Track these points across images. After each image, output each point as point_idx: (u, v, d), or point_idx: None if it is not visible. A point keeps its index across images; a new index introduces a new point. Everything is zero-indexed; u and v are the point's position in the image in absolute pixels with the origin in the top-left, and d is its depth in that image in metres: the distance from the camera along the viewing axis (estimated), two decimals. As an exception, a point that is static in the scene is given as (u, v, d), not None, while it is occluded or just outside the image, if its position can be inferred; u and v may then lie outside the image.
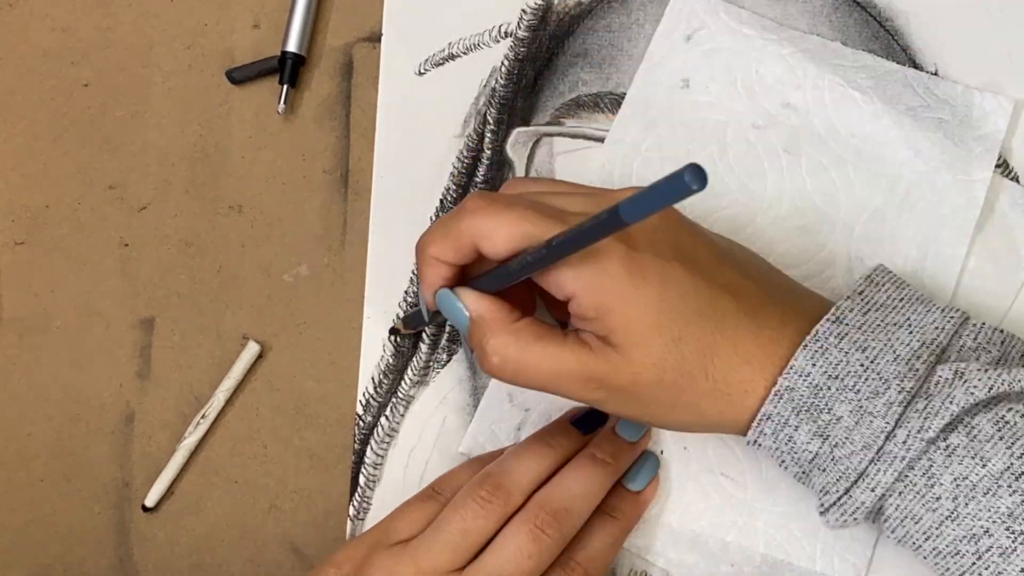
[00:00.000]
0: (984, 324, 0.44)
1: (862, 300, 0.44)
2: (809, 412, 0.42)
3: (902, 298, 0.45)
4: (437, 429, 0.53)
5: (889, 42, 0.54)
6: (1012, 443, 0.41)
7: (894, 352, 0.42)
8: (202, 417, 0.53)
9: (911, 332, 0.43)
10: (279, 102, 0.55)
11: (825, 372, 0.42)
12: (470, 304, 0.44)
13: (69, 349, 0.55)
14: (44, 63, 0.57)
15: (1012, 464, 0.41)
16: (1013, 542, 0.41)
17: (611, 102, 0.54)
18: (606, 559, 0.47)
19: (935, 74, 0.54)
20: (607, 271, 0.41)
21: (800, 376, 0.42)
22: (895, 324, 0.43)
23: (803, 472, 0.44)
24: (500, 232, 0.42)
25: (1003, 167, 0.53)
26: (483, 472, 0.47)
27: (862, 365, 0.42)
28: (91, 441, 0.54)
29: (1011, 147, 0.53)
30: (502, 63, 0.55)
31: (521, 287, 0.45)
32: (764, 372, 0.43)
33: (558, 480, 0.47)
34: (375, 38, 0.56)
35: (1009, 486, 0.41)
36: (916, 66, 0.54)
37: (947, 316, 0.44)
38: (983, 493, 0.41)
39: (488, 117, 0.55)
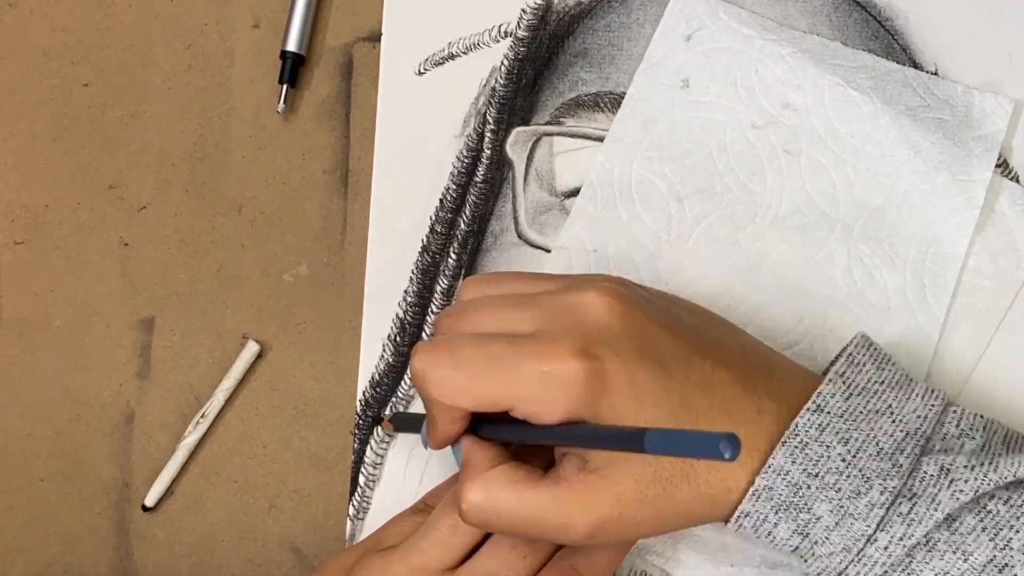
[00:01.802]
0: (965, 410, 0.43)
1: (843, 384, 0.43)
2: (788, 511, 0.41)
3: (882, 381, 0.43)
4: (437, 429, 0.53)
5: (889, 42, 0.54)
6: (995, 535, 0.40)
7: (877, 445, 0.41)
8: (202, 417, 0.53)
9: (894, 421, 0.42)
10: (279, 102, 0.55)
11: (805, 470, 0.41)
12: (462, 450, 0.44)
13: (69, 349, 0.55)
14: (44, 63, 0.57)
15: (995, 556, 0.40)
16: None
17: (611, 102, 0.54)
18: (608, 570, 0.46)
19: (935, 74, 0.54)
20: (577, 398, 0.40)
21: (779, 475, 0.41)
22: (877, 411, 0.42)
23: (788, 556, 0.43)
24: (460, 399, 0.41)
25: (1003, 167, 0.53)
26: None
27: (843, 460, 0.41)
28: (91, 441, 0.54)
29: (1011, 147, 0.53)
30: (502, 63, 0.55)
31: None
32: (744, 468, 0.41)
33: None
34: (375, 38, 0.56)
35: None
36: (916, 66, 0.54)
37: (928, 404, 0.43)
38: None
39: (488, 117, 0.55)
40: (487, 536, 0.45)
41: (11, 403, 0.54)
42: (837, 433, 0.41)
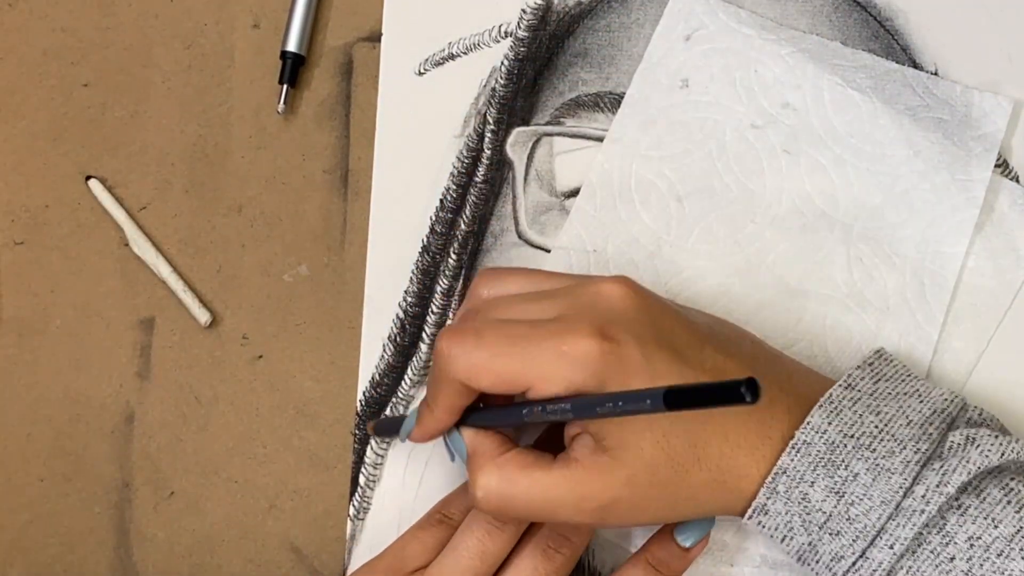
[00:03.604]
0: (983, 409, 0.45)
1: (872, 370, 0.45)
2: (826, 467, 0.42)
3: (908, 373, 0.45)
4: (437, 429, 0.53)
5: (889, 42, 0.54)
6: (1020, 508, 0.41)
7: (907, 418, 0.43)
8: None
9: (921, 402, 0.43)
10: (279, 102, 0.55)
11: (840, 431, 0.42)
12: (466, 440, 0.44)
13: (69, 349, 0.55)
14: (44, 63, 0.57)
15: (1021, 528, 0.41)
16: None
17: (611, 102, 0.54)
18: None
19: (935, 74, 0.54)
20: (593, 376, 0.41)
21: (816, 432, 0.42)
22: (905, 394, 0.44)
23: (809, 544, 0.43)
24: (482, 376, 0.42)
25: (1003, 167, 0.53)
26: None
27: (876, 427, 0.42)
28: (91, 441, 0.54)
29: (1011, 147, 0.53)
30: (502, 63, 0.55)
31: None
32: (755, 455, 0.42)
33: None
34: (375, 38, 0.56)
35: (1021, 549, 0.41)
36: (916, 66, 0.54)
37: (952, 393, 0.44)
38: (996, 555, 0.41)
39: (488, 117, 0.55)
40: (510, 557, 0.45)
41: (11, 403, 0.54)
42: (868, 407, 0.43)
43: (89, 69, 0.57)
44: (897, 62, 0.54)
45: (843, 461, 0.42)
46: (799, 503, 0.42)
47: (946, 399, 0.44)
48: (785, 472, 0.42)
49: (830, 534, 0.42)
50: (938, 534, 0.41)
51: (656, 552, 0.46)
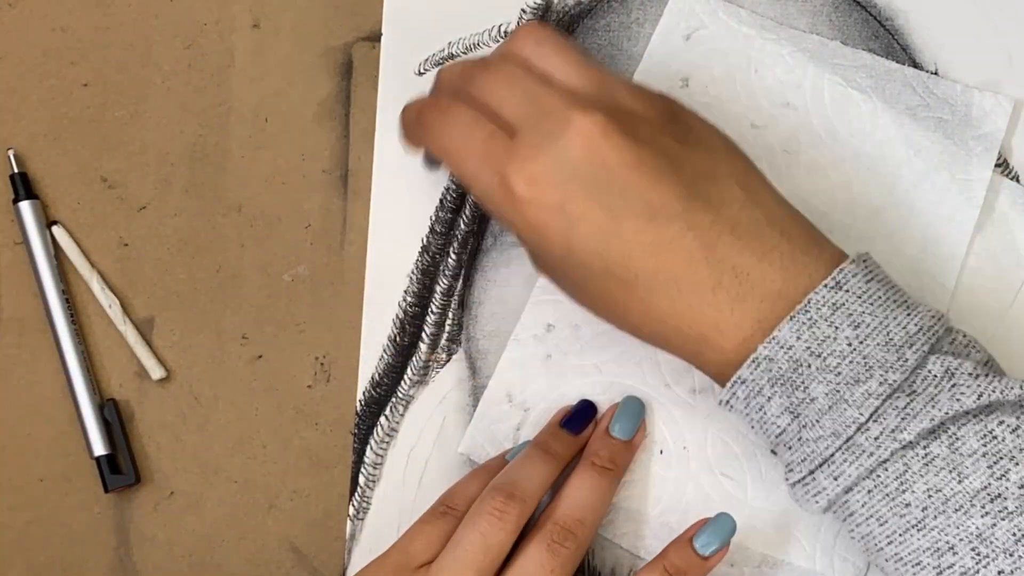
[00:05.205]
0: (966, 332, 0.43)
1: (866, 268, 0.42)
2: (784, 386, 0.41)
3: (893, 283, 0.43)
4: (437, 429, 0.53)
5: (889, 41, 0.54)
6: (994, 462, 0.40)
7: (887, 334, 0.41)
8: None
9: (908, 314, 0.41)
10: None
11: (808, 348, 0.41)
12: None
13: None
14: (44, 63, 0.57)
15: (990, 484, 0.40)
16: (976, 563, 0.40)
17: (611, 102, 0.54)
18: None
19: (935, 74, 0.54)
20: (499, 215, 0.44)
21: (781, 348, 0.41)
22: (894, 302, 0.42)
23: (768, 443, 0.44)
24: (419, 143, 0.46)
25: (1003, 167, 0.53)
26: (491, 486, 0.46)
27: (849, 344, 0.41)
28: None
29: (1011, 147, 0.53)
30: (502, 63, 0.55)
31: None
32: (695, 266, 0.42)
33: (567, 494, 0.47)
34: (375, 38, 0.56)
35: (983, 507, 0.40)
36: (916, 65, 0.54)
37: (939, 312, 0.42)
38: (954, 509, 0.40)
39: (488, 117, 0.55)
40: (514, 550, 0.45)
41: (11, 403, 0.54)
42: (850, 316, 0.41)
43: (89, 69, 0.57)
44: (897, 62, 0.54)
45: (803, 383, 0.41)
46: (757, 412, 0.43)
47: (933, 316, 0.42)
48: (744, 382, 0.42)
49: (784, 445, 0.43)
50: (896, 479, 0.40)
51: (674, 560, 0.46)
